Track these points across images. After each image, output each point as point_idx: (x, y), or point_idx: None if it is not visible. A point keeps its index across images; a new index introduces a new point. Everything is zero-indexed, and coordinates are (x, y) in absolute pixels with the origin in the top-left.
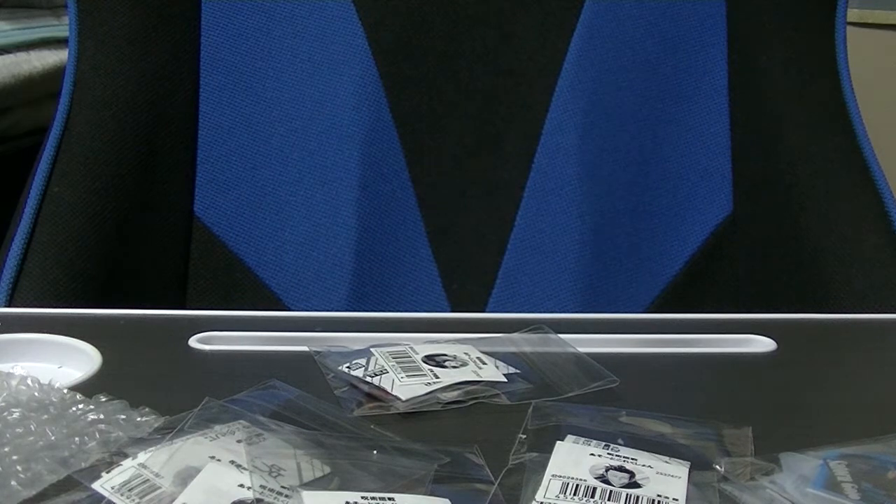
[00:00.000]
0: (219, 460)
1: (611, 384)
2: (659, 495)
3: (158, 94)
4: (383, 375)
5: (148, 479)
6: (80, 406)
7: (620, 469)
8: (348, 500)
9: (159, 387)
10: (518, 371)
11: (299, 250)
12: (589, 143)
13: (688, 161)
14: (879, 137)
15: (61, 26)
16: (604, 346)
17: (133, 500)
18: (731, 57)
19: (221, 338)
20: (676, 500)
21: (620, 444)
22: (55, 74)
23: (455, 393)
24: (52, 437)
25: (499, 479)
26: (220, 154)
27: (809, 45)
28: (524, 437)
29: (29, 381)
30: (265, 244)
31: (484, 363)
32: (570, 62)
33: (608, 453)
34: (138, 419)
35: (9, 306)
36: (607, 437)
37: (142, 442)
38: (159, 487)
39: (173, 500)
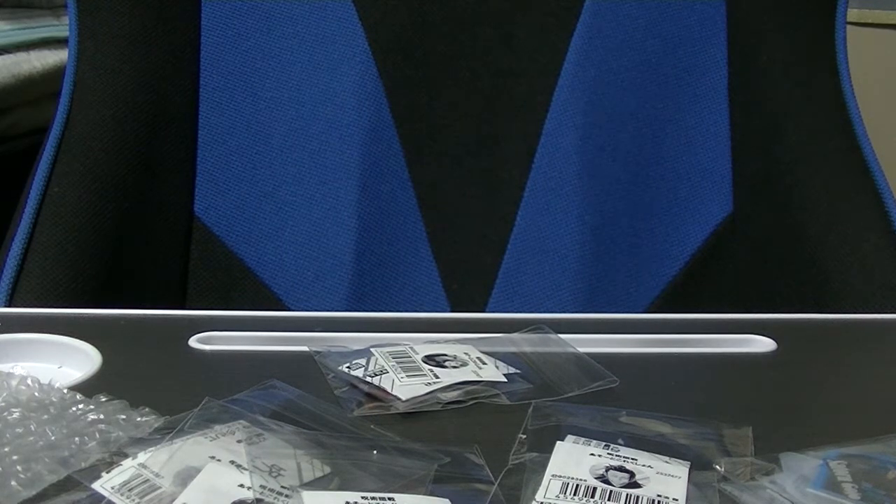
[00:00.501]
0: (219, 460)
1: (611, 384)
2: (659, 495)
3: (158, 94)
4: (383, 375)
5: (148, 479)
6: (80, 406)
7: (620, 469)
8: (348, 500)
9: (159, 387)
10: (518, 371)
11: (299, 250)
12: (589, 143)
13: (688, 161)
14: (879, 137)
15: (61, 26)
16: (604, 346)
17: (133, 500)
18: (731, 57)
19: (221, 338)
20: (676, 500)
21: (620, 444)
22: (55, 74)
23: (455, 393)
24: (52, 437)
25: (499, 479)
26: (220, 154)
27: (809, 45)
28: (524, 437)
29: (29, 381)
30: (265, 244)
31: (484, 363)
32: (570, 62)
33: (608, 453)
34: (138, 419)
35: (9, 306)
36: (607, 437)
37: (142, 442)
38: (159, 487)
39: (173, 500)
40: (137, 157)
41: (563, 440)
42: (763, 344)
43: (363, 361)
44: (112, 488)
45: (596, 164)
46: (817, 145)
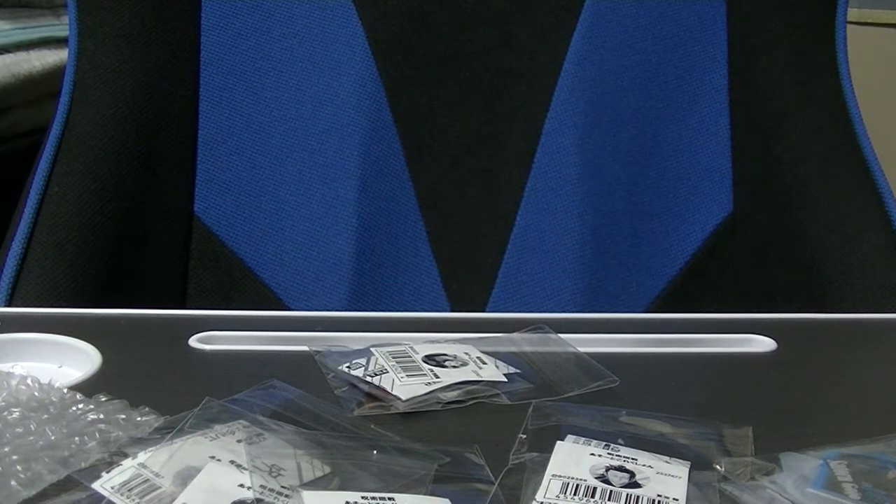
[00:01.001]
0: (219, 460)
1: (611, 384)
2: (659, 495)
3: (158, 93)
4: (383, 375)
5: (148, 479)
6: (80, 406)
7: (621, 469)
8: (348, 500)
9: (159, 387)
10: (518, 371)
11: (299, 250)
12: (589, 143)
13: (688, 161)
14: (879, 137)
15: (61, 26)
16: (604, 346)
17: (133, 500)
18: (731, 57)
19: (221, 338)
20: (677, 500)
21: (620, 444)
22: (55, 74)
23: (455, 393)
24: (52, 437)
25: (499, 479)
26: (220, 154)
27: (809, 45)
28: (524, 437)
29: (29, 381)
30: (265, 244)
31: (484, 363)
32: (570, 62)
33: (608, 453)
34: (138, 419)
35: (9, 306)
36: (607, 437)
37: (142, 442)
38: (159, 487)
39: (173, 500)
40: (137, 156)
41: (563, 440)
42: (763, 344)
43: (363, 361)
44: (112, 488)
45: (596, 164)
46: (817, 145)
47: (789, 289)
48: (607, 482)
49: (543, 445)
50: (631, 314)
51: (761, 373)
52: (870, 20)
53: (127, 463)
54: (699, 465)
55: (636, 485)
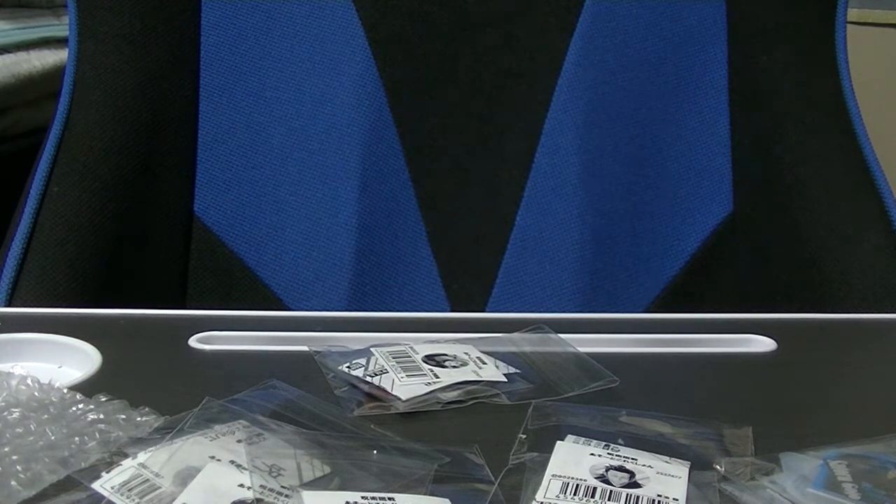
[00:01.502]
0: (219, 460)
1: (611, 384)
2: (659, 495)
3: (158, 93)
4: (383, 375)
5: (148, 479)
6: (80, 406)
7: (620, 469)
8: (348, 500)
9: (159, 387)
10: (518, 371)
11: (299, 250)
12: (589, 143)
13: (688, 160)
14: (879, 137)
15: (61, 26)
16: (604, 346)
17: (133, 500)
18: (731, 57)
19: (221, 338)
20: (677, 500)
21: (620, 444)
22: (55, 74)
23: (455, 393)
24: (52, 437)
25: (499, 479)
26: (220, 154)
27: (809, 45)
28: (524, 437)
29: (29, 381)
30: (265, 244)
31: (484, 363)
32: (570, 62)
33: (608, 453)
34: (138, 419)
35: (9, 306)
36: (607, 437)
37: (142, 442)
38: (159, 487)
39: (173, 500)
40: (137, 156)
41: (563, 440)
42: (763, 344)
43: (363, 361)
44: (112, 488)
45: (596, 164)
46: (817, 145)
47: (789, 289)
48: (607, 482)
49: (543, 445)
50: (631, 314)
51: (761, 373)
52: (870, 20)
53: (127, 463)
54: (699, 465)
55: (636, 485)
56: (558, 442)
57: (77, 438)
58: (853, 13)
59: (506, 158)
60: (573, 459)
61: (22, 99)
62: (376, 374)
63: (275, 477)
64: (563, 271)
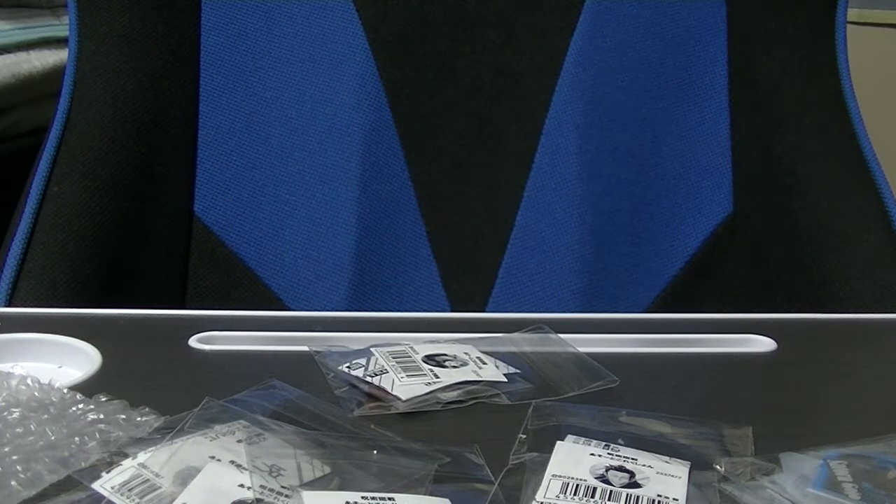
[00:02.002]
0: (219, 460)
1: (611, 384)
2: (659, 495)
3: (158, 94)
4: (383, 375)
5: (148, 479)
6: (80, 406)
7: (620, 469)
8: (348, 500)
9: (159, 387)
10: (518, 371)
11: (299, 250)
12: (589, 143)
13: (688, 161)
14: (879, 137)
15: (61, 26)
16: (604, 346)
17: (133, 500)
18: (731, 57)
19: (221, 338)
20: (677, 500)
21: (620, 444)
22: (55, 74)
23: (455, 393)
24: (52, 437)
25: (499, 479)
26: (220, 154)
27: (809, 45)
28: (524, 437)
29: (29, 381)
30: (265, 244)
31: (484, 363)
32: (570, 62)
33: (608, 453)
34: (138, 419)
35: (9, 306)
36: (607, 437)
37: (142, 442)
38: (159, 487)
39: (173, 500)
40: (137, 156)
41: (563, 440)
42: (763, 344)
43: (363, 361)
44: (112, 488)
45: (596, 163)
46: (817, 145)
47: (789, 289)
48: (607, 482)
49: (543, 445)
50: (631, 314)
51: (761, 373)
52: (870, 20)
53: (127, 463)
54: (699, 465)
55: (636, 485)
56: (558, 442)
57: (77, 438)
58: (853, 13)
59: (506, 158)
60: (573, 459)
61: (22, 99)
62: (376, 374)
63: (275, 477)
64: (563, 271)
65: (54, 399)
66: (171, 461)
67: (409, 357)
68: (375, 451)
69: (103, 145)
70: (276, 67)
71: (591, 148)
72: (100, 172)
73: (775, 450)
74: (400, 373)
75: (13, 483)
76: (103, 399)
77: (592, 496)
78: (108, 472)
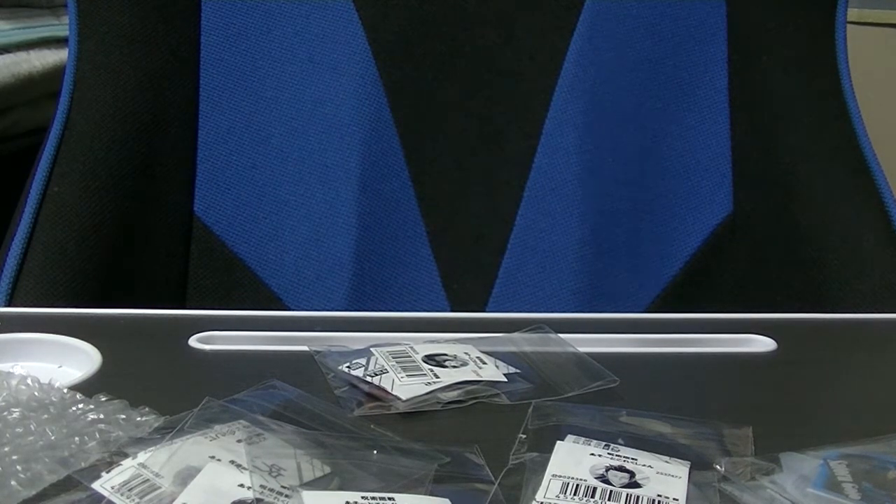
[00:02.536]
0: (219, 460)
1: (611, 384)
2: (659, 495)
3: (158, 94)
4: (383, 375)
5: (148, 479)
6: (80, 406)
7: (621, 469)
8: (348, 500)
9: (159, 387)
10: (518, 371)
11: (299, 250)
12: (589, 143)
13: (688, 160)
14: (879, 137)
15: (61, 26)
16: (604, 346)
17: (133, 500)
18: (731, 57)
19: (221, 338)
20: (677, 499)
21: (620, 444)
22: (55, 74)
23: (455, 393)
24: (52, 437)
25: (499, 479)
26: (220, 154)
27: (809, 45)
28: (524, 436)
29: (29, 381)
30: (265, 244)
31: (484, 363)
32: (570, 62)
33: (608, 453)
34: (138, 419)
35: (9, 306)
36: (607, 437)
37: (142, 442)
38: (159, 487)
39: (173, 500)
40: (137, 156)
41: (563, 440)
42: (763, 344)
43: (363, 361)
44: (112, 488)
45: (596, 163)
46: (817, 145)
47: (789, 289)
48: (607, 482)
49: (543, 445)
50: (631, 314)
51: (761, 373)
52: (870, 20)
53: (127, 463)
54: (699, 465)
55: (636, 485)
56: (558, 442)
57: (77, 438)
58: (853, 13)
59: (506, 158)
60: (573, 459)
61: (22, 99)
62: (376, 374)
63: (275, 477)
64: (563, 271)
65: (54, 399)
66: (171, 461)
67: (409, 357)
68: (375, 451)
69: (103, 145)
70: (276, 67)
71: (591, 148)
72: (100, 172)
73: (775, 450)
74: (400, 373)
75: (13, 483)
76: (103, 399)
77: (592, 496)
78: (108, 472)
